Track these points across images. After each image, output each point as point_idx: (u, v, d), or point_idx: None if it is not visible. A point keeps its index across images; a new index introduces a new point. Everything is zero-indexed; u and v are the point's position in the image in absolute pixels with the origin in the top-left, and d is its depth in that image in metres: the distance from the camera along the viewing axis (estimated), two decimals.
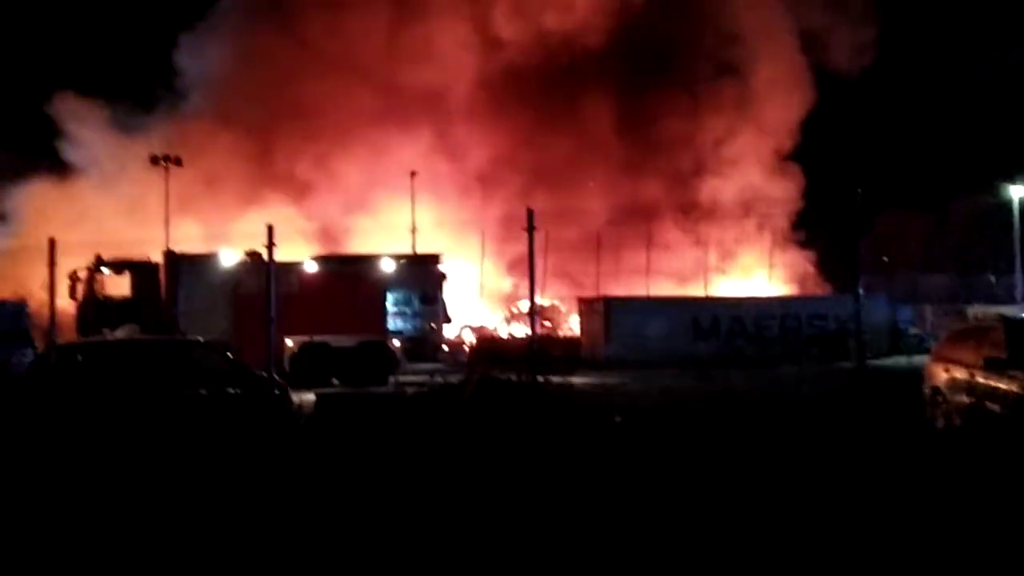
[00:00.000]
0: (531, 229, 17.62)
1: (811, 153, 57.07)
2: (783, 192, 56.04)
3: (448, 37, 53.34)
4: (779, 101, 55.94)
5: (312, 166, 52.53)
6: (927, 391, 17.22)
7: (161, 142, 49.83)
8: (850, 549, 8.92)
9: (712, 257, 52.98)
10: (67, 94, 51.91)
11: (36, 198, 48.85)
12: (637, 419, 16.90)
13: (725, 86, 57.10)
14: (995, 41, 58.08)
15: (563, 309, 47.82)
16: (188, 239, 36.38)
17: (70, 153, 52.06)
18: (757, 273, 53.56)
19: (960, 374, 15.85)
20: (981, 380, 14.97)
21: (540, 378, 17.34)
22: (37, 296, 27.39)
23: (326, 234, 47.52)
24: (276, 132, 52.66)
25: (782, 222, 55.22)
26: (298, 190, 51.30)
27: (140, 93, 53.74)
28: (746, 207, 54.30)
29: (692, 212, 55.62)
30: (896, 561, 8.63)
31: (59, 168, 51.48)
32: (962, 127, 58.28)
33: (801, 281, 53.96)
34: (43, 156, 51.83)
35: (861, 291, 19.24)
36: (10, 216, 49.42)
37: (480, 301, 48.44)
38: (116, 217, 46.28)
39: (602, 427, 15.20)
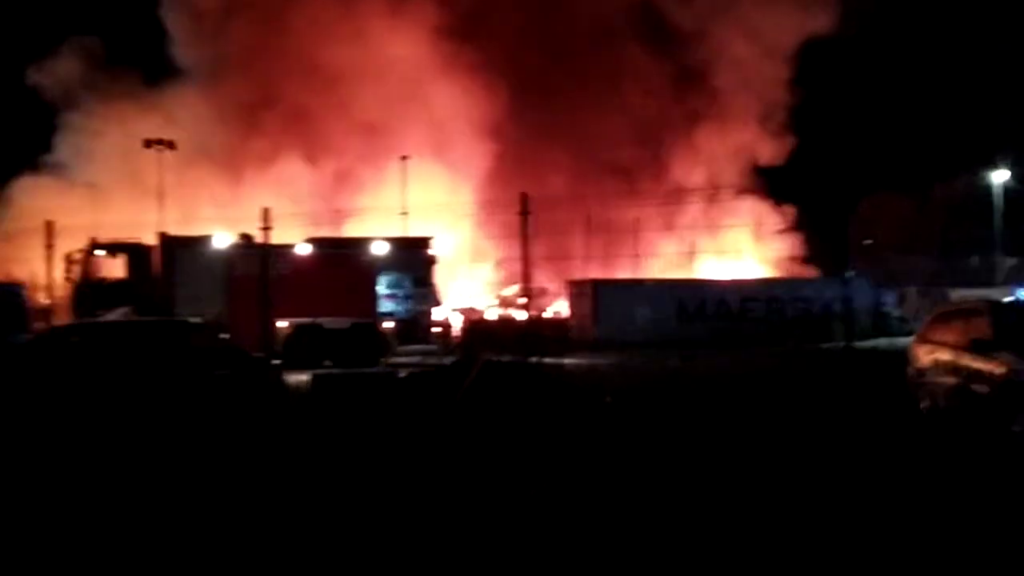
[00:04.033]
0: (524, 214, 17.93)
1: (796, 134, 57.52)
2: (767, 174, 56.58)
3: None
4: (763, 84, 56.43)
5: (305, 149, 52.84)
6: (911, 372, 17.48)
7: (156, 124, 49.88)
8: (836, 525, 9.26)
9: (698, 240, 53.39)
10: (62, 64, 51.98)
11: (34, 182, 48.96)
12: (626, 398, 17.45)
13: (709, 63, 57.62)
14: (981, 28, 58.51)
15: (549, 290, 48.13)
16: (186, 221, 36.42)
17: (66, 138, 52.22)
18: (744, 255, 53.97)
19: (945, 355, 16.06)
20: (967, 362, 15.19)
21: (534, 359, 17.75)
22: (33, 279, 27.48)
23: (319, 216, 47.61)
24: (268, 112, 52.89)
25: (767, 205, 55.69)
26: (292, 172, 51.47)
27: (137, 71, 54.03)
28: (732, 189, 54.72)
29: (677, 195, 55.95)
30: (881, 532, 9.01)
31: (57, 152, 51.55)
32: (945, 112, 58.68)
33: (786, 264, 54.40)
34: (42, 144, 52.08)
35: (851, 273, 19.48)
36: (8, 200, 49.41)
37: (468, 283, 48.73)
38: (114, 200, 46.34)
39: (595, 406, 15.65)
